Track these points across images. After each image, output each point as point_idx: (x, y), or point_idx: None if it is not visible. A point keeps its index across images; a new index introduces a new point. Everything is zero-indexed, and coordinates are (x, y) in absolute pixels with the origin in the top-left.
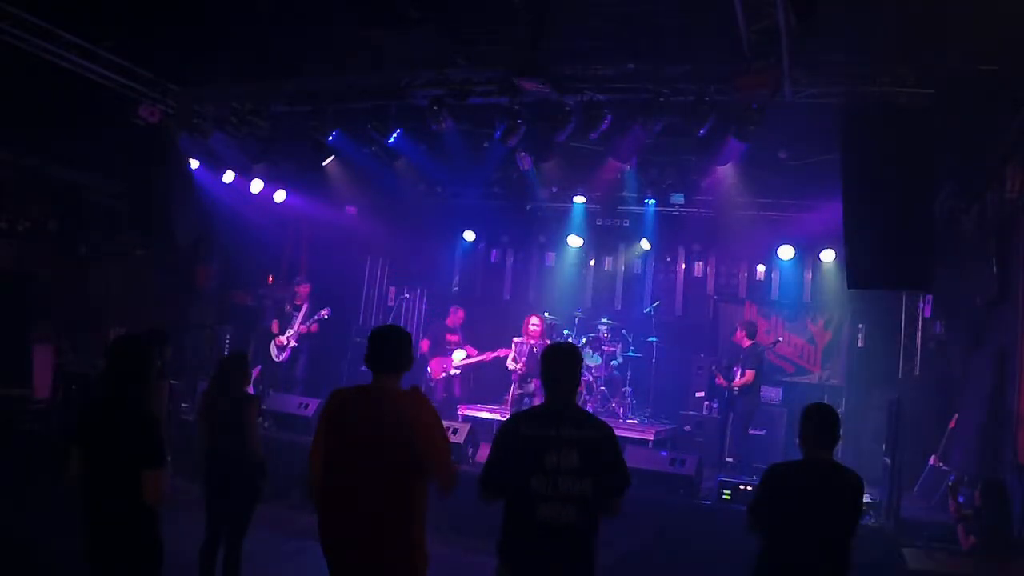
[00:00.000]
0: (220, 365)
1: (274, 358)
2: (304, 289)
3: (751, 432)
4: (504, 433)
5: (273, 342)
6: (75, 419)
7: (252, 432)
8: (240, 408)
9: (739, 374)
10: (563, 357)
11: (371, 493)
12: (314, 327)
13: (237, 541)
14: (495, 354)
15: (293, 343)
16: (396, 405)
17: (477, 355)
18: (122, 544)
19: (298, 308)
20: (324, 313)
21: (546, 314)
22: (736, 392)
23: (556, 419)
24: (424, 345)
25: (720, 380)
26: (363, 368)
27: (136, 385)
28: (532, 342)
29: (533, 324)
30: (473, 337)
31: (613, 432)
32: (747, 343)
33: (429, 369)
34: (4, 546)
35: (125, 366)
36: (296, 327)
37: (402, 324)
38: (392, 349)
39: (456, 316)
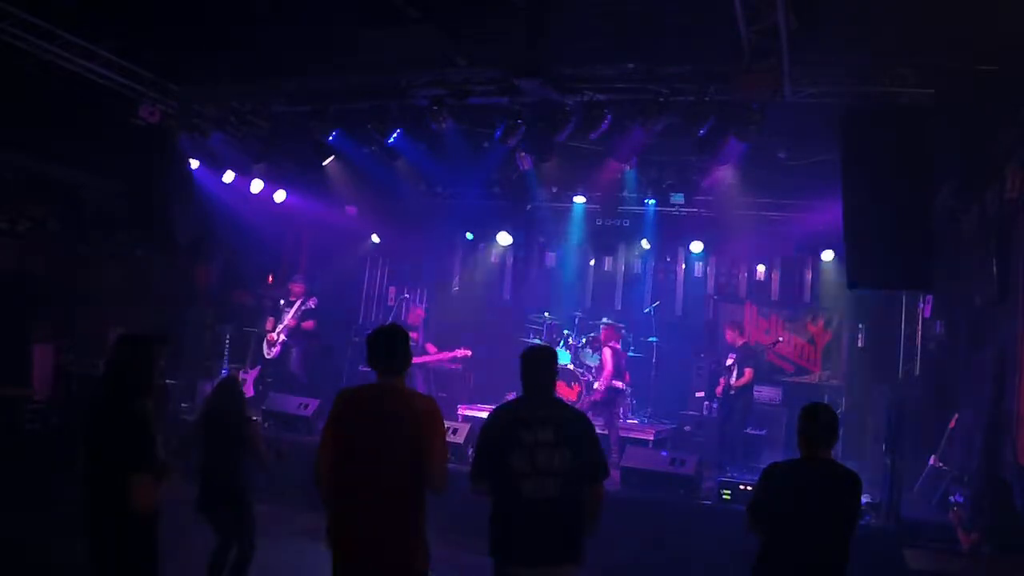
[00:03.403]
0: (213, 392)
1: (266, 355)
2: (298, 287)
3: (751, 432)
4: (484, 426)
5: (265, 339)
6: (80, 419)
7: (257, 448)
8: (238, 430)
9: (735, 374)
10: (545, 362)
11: (379, 487)
12: (307, 324)
13: (248, 544)
14: (452, 354)
15: (283, 338)
16: (407, 401)
17: (435, 353)
18: (116, 546)
19: (291, 305)
20: (311, 303)
21: (546, 314)
22: (733, 392)
23: (529, 402)
24: None
25: (723, 381)
26: (362, 368)
27: (135, 386)
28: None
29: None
30: (473, 337)
31: (588, 420)
32: (740, 341)
33: None
34: (3, 546)
35: (125, 366)
36: (285, 322)
37: (402, 324)
38: (398, 347)
39: (415, 314)
